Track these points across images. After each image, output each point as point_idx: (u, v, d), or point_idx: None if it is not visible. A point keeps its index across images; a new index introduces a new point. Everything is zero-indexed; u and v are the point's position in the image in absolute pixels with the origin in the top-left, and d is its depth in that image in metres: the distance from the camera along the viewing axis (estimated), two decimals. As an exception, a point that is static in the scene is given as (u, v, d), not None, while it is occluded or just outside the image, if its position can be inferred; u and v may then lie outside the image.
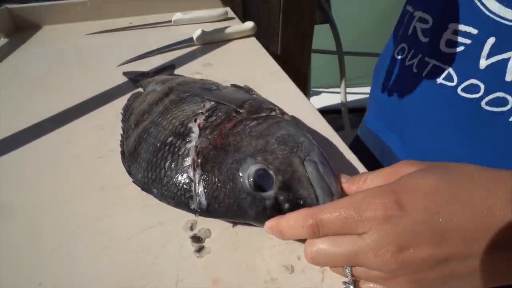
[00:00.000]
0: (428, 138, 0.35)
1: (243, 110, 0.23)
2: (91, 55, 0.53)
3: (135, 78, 0.41)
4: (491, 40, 0.27)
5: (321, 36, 1.11)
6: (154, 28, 0.63)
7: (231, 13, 0.70)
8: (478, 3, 0.27)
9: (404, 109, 0.37)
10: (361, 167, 0.27)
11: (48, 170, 0.29)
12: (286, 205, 0.19)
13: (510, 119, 0.27)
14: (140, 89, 0.38)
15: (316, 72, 1.37)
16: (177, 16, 0.64)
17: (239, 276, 0.20)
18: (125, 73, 0.43)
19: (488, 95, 0.28)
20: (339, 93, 1.13)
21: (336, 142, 0.30)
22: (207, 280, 0.19)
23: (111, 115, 0.35)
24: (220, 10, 0.67)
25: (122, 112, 0.32)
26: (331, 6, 1.18)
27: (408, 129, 0.37)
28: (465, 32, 0.29)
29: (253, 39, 0.55)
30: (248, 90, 0.28)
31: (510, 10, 0.25)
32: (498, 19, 0.26)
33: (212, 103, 0.25)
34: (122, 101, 0.36)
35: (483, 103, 0.28)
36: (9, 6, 0.65)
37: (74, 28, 0.66)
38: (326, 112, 1.25)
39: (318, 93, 1.97)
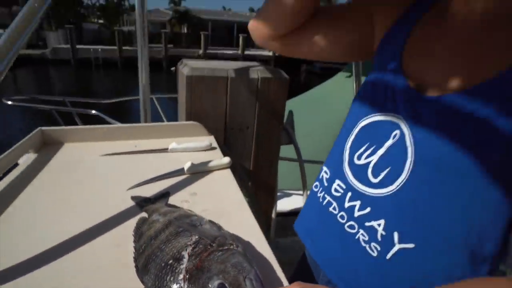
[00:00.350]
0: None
1: (214, 244, 0.40)
2: (105, 176, 0.71)
3: (141, 204, 0.58)
4: (357, 203, 0.48)
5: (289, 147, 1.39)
6: (155, 153, 0.84)
7: (214, 143, 0.93)
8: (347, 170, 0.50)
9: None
10: (282, 276, 0.43)
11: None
12: None
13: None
14: (144, 214, 0.55)
15: (283, 176, 1.61)
16: (172, 145, 0.86)
17: None
18: (133, 198, 0.60)
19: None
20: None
21: (269, 257, 0.46)
22: None
23: (124, 234, 0.50)
24: (206, 142, 0.89)
25: (133, 234, 0.48)
26: (294, 130, 1.48)
27: (316, 237, 0.56)
28: (339, 185, 0.50)
29: (228, 170, 0.76)
30: (219, 227, 0.46)
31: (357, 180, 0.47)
32: (357, 185, 0.48)
33: (196, 237, 0.41)
34: (133, 221, 0.52)
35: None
36: (43, 128, 0.85)
37: (91, 146, 0.85)
38: (294, 213, 1.44)
39: (289, 194, 2.20)
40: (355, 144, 0.51)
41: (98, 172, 0.72)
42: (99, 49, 18.92)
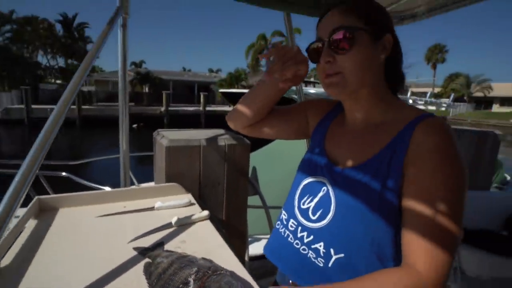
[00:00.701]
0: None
1: (210, 271, 0.57)
2: (105, 234, 0.85)
3: (143, 252, 0.73)
4: (305, 233, 0.68)
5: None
6: (144, 212, 0.99)
7: (192, 199, 1.10)
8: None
9: None
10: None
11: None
12: None
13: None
14: (147, 259, 0.70)
15: (254, 223, 1.79)
16: (158, 204, 1.02)
17: None
18: (135, 248, 0.75)
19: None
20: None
21: (248, 280, 0.63)
22: None
23: (132, 278, 0.65)
24: (185, 199, 1.06)
25: (143, 273, 0.63)
26: (258, 183, 1.71)
27: (280, 257, 0.77)
28: (293, 223, 0.73)
29: (208, 221, 0.94)
30: (210, 261, 0.63)
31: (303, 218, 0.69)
32: (303, 221, 0.69)
33: (196, 268, 0.58)
34: (139, 266, 0.67)
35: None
36: (40, 197, 0.97)
37: (84, 210, 0.98)
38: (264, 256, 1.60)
39: (259, 239, 2.37)
40: (301, 196, 0.78)
41: (98, 231, 0.86)
42: (56, 109, 18.52)
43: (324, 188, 0.72)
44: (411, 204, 0.60)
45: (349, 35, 0.64)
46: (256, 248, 1.99)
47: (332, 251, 0.67)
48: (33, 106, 18.00)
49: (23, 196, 0.64)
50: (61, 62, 26.80)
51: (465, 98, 39.56)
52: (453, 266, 1.78)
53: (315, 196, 0.73)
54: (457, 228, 0.57)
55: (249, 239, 1.80)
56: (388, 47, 0.68)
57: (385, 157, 0.65)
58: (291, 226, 0.76)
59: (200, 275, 0.57)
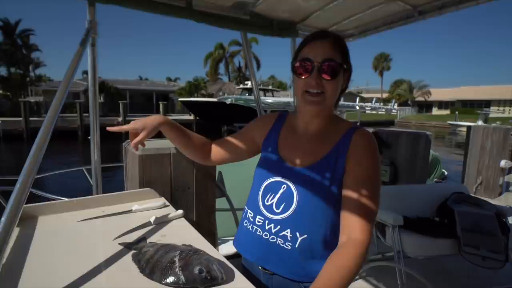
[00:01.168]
0: None
1: (191, 252, 0.71)
2: (89, 235, 0.94)
3: (129, 246, 0.84)
4: (272, 225, 0.85)
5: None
6: (123, 214, 1.09)
7: (166, 202, 1.22)
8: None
9: None
10: (232, 267, 0.75)
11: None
12: (207, 276, 0.65)
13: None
14: (134, 251, 0.81)
15: (222, 225, 1.92)
16: (135, 207, 1.12)
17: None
18: (121, 243, 0.86)
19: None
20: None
21: (222, 259, 0.78)
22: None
23: (125, 266, 0.76)
24: (160, 202, 1.18)
25: (133, 261, 0.75)
26: (225, 185, 1.85)
27: (250, 249, 0.93)
28: (260, 218, 0.89)
29: (183, 219, 1.06)
30: (190, 245, 0.76)
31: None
32: (269, 215, 0.86)
33: (179, 251, 0.72)
34: (126, 257, 0.78)
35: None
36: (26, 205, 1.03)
37: (64, 216, 1.05)
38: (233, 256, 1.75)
39: (226, 241, 2.51)
40: (263, 195, 0.94)
41: (82, 233, 0.95)
42: (-1, 121, 17.09)
43: (284, 185, 0.89)
44: (347, 190, 0.83)
45: (335, 68, 0.84)
46: (224, 249, 2.12)
47: (297, 234, 0.85)
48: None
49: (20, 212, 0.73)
50: (3, 71, 24.63)
51: (409, 102, 43.19)
52: (396, 249, 2.06)
53: (276, 193, 0.90)
54: (376, 205, 0.81)
55: (218, 240, 1.92)
56: (347, 78, 0.92)
57: (332, 156, 0.87)
58: (258, 221, 0.91)
59: (183, 255, 0.70)
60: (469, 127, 4.48)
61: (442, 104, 45.23)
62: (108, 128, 1.02)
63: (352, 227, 0.78)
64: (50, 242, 0.89)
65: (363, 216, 0.78)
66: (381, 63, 48.27)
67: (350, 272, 0.70)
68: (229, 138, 1.11)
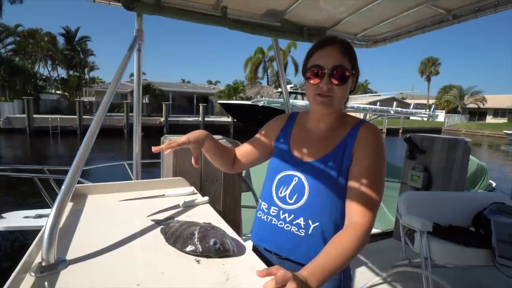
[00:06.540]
0: None
1: (209, 228, 0.82)
2: (129, 212, 1.10)
3: (159, 222, 0.98)
4: (286, 214, 0.94)
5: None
6: (156, 198, 1.24)
7: (195, 190, 1.35)
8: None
9: None
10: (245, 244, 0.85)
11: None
12: (221, 248, 0.76)
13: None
14: (163, 226, 0.95)
15: (248, 223, 2.03)
16: (168, 192, 1.27)
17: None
18: (153, 220, 1.00)
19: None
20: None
21: (240, 240, 0.88)
22: None
23: (154, 237, 0.90)
24: (190, 189, 1.32)
25: (161, 233, 0.88)
26: (251, 180, 1.96)
27: (267, 239, 1.01)
28: (274, 209, 0.98)
29: (208, 205, 1.19)
30: (209, 223, 0.88)
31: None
32: (283, 206, 0.95)
33: (199, 226, 0.84)
34: (156, 231, 0.92)
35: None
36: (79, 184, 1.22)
37: (108, 197, 1.23)
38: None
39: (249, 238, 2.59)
40: (277, 187, 1.01)
41: (122, 210, 1.11)
42: (58, 118, 19.09)
43: (296, 178, 0.96)
44: (351, 179, 0.90)
45: (345, 74, 0.91)
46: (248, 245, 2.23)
47: (310, 222, 0.92)
48: (35, 116, 18.35)
49: (72, 191, 0.89)
50: (63, 73, 27.33)
51: (458, 109, 40.20)
52: (424, 255, 2.02)
53: (288, 186, 0.97)
54: (379, 194, 0.87)
55: (243, 237, 2.02)
56: (355, 81, 0.99)
57: (340, 149, 0.94)
58: (273, 212, 0.98)
59: (202, 229, 0.82)
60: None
61: (498, 112, 41.57)
62: (166, 147, 0.97)
63: (353, 213, 0.85)
64: (96, 215, 1.06)
65: (364, 202, 0.85)
66: (429, 67, 45.57)
67: (347, 249, 0.77)
68: (248, 145, 1.16)
